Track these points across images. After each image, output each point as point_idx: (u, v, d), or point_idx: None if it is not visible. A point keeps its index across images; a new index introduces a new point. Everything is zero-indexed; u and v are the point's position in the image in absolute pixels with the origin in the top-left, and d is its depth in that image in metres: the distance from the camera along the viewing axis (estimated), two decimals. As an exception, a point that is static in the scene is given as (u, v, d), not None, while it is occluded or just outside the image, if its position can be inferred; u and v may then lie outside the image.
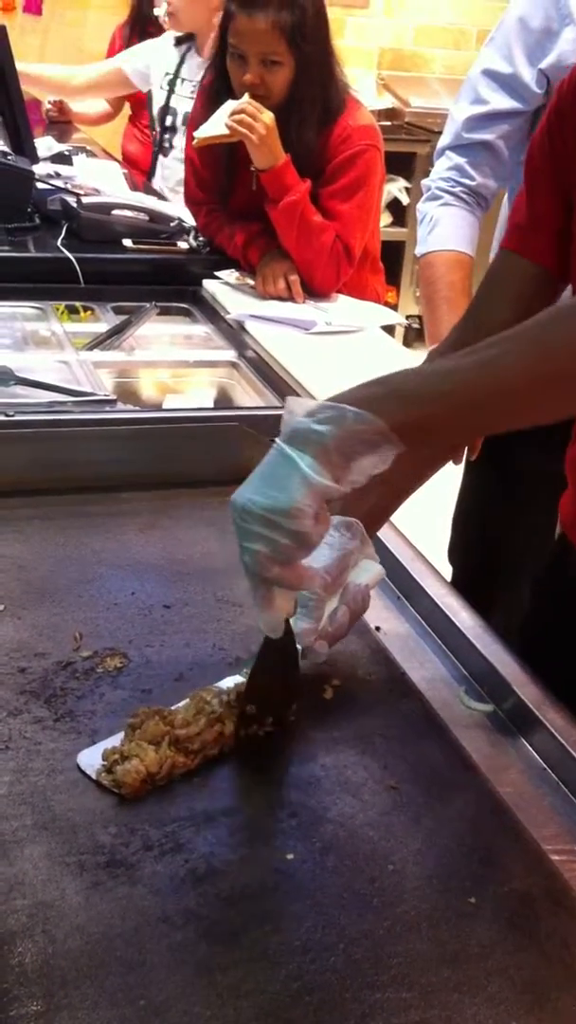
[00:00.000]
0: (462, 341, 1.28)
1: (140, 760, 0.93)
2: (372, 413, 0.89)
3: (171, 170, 3.34)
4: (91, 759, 0.96)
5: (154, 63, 3.38)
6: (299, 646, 1.02)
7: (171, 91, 3.30)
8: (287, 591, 0.94)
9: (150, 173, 3.41)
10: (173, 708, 1.00)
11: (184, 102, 3.25)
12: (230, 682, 1.04)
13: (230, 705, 1.00)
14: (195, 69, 3.23)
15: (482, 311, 1.29)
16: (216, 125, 2.27)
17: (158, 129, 3.40)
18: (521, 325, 0.94)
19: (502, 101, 1.75)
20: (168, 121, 3.34)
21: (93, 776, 0.94)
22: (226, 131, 2.24)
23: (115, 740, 0.97)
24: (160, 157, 3.38)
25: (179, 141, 3.30)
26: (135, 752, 0.94)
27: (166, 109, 3.33)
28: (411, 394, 0.92)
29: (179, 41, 3.31)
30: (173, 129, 3.32)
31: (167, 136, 3.34)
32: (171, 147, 3.34)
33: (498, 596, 1.80)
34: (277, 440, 0.91)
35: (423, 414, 0.91)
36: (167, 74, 3.31)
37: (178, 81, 3.30)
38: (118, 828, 0.89)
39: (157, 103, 3.38)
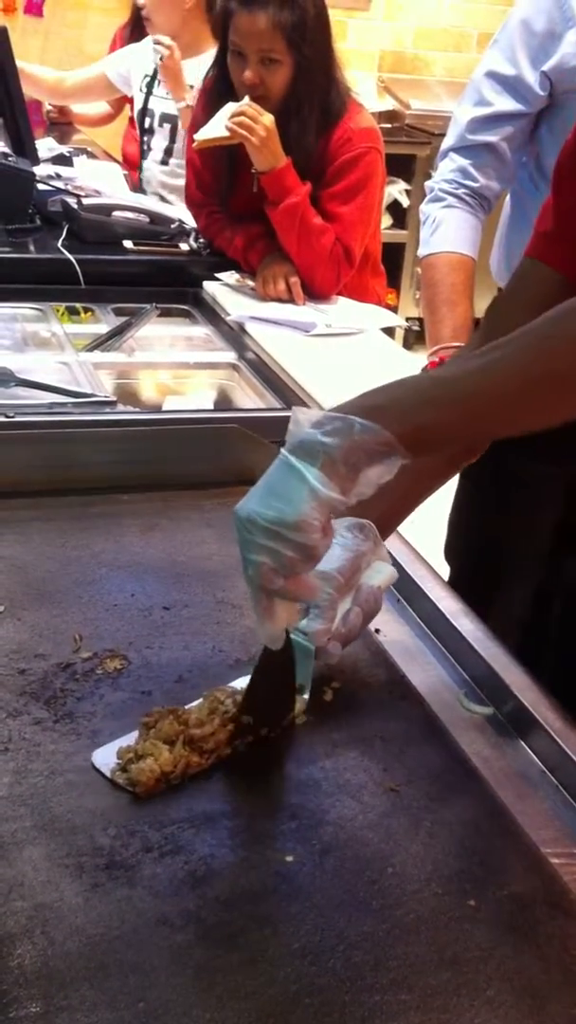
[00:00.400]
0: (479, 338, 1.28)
1: (155, 759, 0.93)
2: (378, 423, 0.88)
3: (150, 172, 3.34)
4: (106, 758, 0.96)
5: (134, 66, 3.39)
6: (311, 646, 1.02)
7: (149, 93, 3.30)
8: (289, 602, 0.94)
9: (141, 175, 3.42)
10: (187, 707, 1.00)
11: (161, 103, 3.25)
12: (243, 682, 1.04)
13: None
14: None
15: (502, 319, 1.28)
16: (216, 127, 2.27)
17: (138, 131, 3.41)
18: (522, 328, 0.94)
19: (506, 103, 1.75)
20: (146, 123, 3.34)
21: (108, 774, 0.95)
22: (226, 133, 2.24)
23: (129, 739, 0.97)
24: (142, 160, 3.38)
25: (156, 143, 3.30)
26: (150, 751, 0.94)
27: (144, 111, 3.33)
28: (417, 403, 0.91)
29: (157, 44, 3.32)
30: (151, 131, 3.32)
31: (146, 139, 3.34)
32: (149, 149, 3.34)
33: (494, 596, 1.80)
34: (282, 451, 0.90)
35: (429, 423, 0.91)
36: (145, 76, 3.31)
37: (155, 83, 3.30)
38: (117, 830, 0.89)
39: (137, 106, 3.39)
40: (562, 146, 1.28)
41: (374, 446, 0.89)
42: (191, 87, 3.18)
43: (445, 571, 1.90)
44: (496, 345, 0.93)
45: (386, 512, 1.13)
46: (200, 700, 1.02)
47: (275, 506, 0.88)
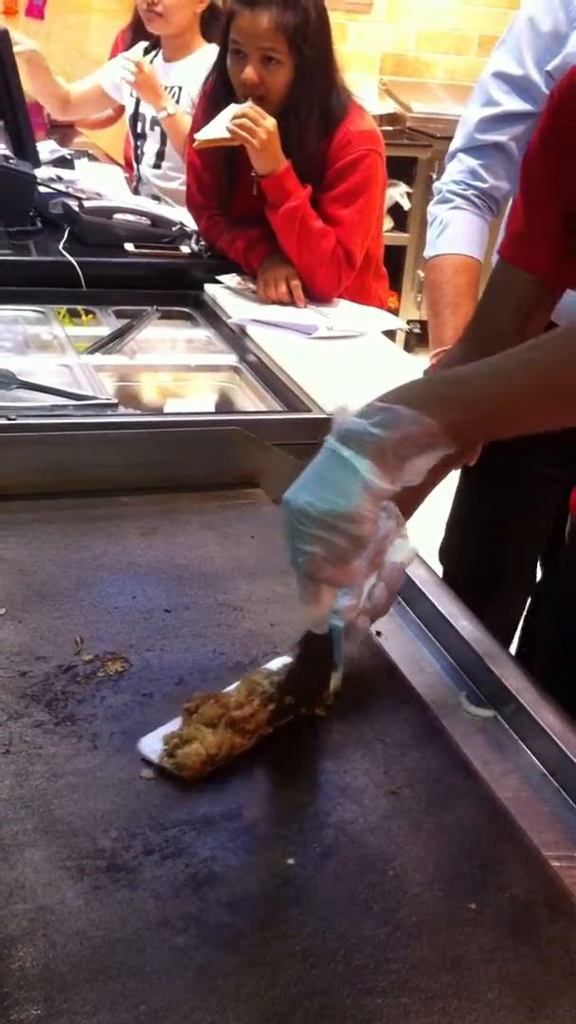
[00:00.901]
0: (470, 351, 1.28)
1: (200, 743, 0.95)
2: (426, 415, 0.90)
3: (144, 175, 3.35)
4: (152, 745, 0.98)
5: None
6: (341, 623, 1.02)
7: (139, 98, 3.31)
8: (334, 588, 0.95)
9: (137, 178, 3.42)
10: (225, 691, 1.02)
11: (151, 107, 3.26)
12: (278, 663, 1.06)
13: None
14: (160, 74, 3.25)
15: (486, 321, 1.29)
16: (218, 128, 2.27)
17: (131, 136, 3.41)
18: (566, 326, 0.95)
19: (514, 103, 1.76)
20: (138, 127, 3.35)
21: (156, 761, 0.96)
22: (227, 134, 2.24)
23: (173, 725, 0.99)
24: (136, 164, 3.39)
25: (149, 147, 3.31)
26: (194, 735, 0.96)
27: (136, 116, 3.34)
28: (461, 396, 0.93)
29: (146, 51, 3.33)
30: (143, 135, 3.33)
31: (139, 143, 3.35)
32: (143, 153, 3.35)
33: (489, 597, 1.80)
34: (330, 440, 0.91)
35: (472, 416, 0.93)
36: None
37: None
38: (119, 832, 0.89)
39: (128, 111, 3.40)
40: (526, 150, 1.28)
41: (422, 437, 0.90)
42: (178, 88, 3.19)
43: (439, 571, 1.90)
44: (534, 345, 0.96)
45: (399, 503, 1.14)
46: (237, 683, 1.03)
47: (328, 498, 0.89)
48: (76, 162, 3.17)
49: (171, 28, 3.19)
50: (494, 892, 0.88)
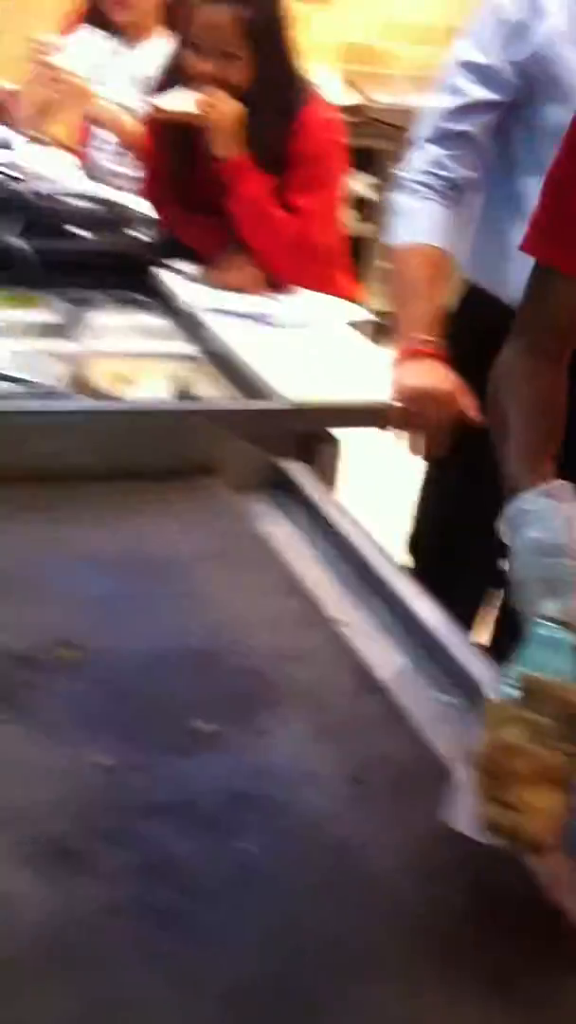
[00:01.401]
0: (520, 350, 1.20)
1: (537, 812, 0.81)
2: None
3: (99, 160, 3.33)
4: (467, 819, 0.85)
5: (77, 58, 3.36)
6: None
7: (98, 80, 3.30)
8: None
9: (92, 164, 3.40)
10: (494, 736, 0.86)
11: (105, 90, 3.24)
12: (513, 691, 0.90)
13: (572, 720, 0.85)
14: (119, 61, 3.22)
15: (531, 325, 1.21)
16: (185, 100, 2.25)
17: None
18: None
19: (480, 92, 1.75)
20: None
21: (487, 841, 0.84)
22: (194, 108, 2.23)
23: (467, 792, 0.85)
24: (90, 148, 3.37)
25: (105, 132, 3.29)
26: (523, 802, 0.82)
27: None
28: None
29: (108, 38, 3.31)
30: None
31: (92, 128, 3.34)
32: (100, 139, 3.33)
33: (457, 588, 1.79)
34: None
35: None
36: (96, 67, 3.30)
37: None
38: (72, 819, 0.88)
39: None
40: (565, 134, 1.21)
41: None
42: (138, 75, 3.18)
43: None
44: None
45: None
46: (499, 724, 0.86)
47: None
48: (13, 143, 3.10)
49: (135, 15, 3.17)
50: (462, 878, 0.87)
